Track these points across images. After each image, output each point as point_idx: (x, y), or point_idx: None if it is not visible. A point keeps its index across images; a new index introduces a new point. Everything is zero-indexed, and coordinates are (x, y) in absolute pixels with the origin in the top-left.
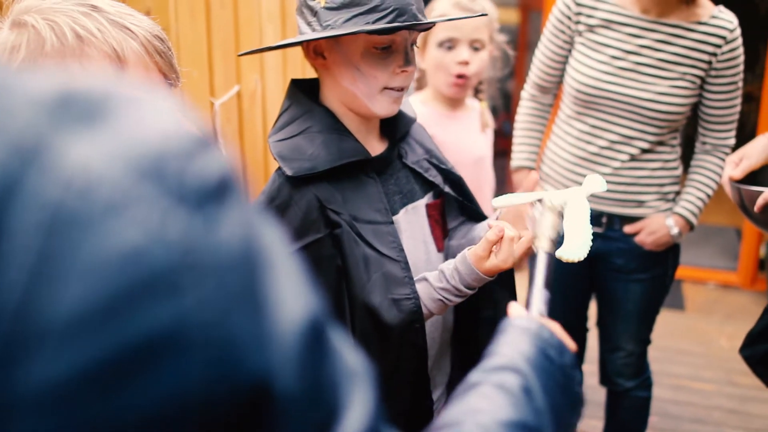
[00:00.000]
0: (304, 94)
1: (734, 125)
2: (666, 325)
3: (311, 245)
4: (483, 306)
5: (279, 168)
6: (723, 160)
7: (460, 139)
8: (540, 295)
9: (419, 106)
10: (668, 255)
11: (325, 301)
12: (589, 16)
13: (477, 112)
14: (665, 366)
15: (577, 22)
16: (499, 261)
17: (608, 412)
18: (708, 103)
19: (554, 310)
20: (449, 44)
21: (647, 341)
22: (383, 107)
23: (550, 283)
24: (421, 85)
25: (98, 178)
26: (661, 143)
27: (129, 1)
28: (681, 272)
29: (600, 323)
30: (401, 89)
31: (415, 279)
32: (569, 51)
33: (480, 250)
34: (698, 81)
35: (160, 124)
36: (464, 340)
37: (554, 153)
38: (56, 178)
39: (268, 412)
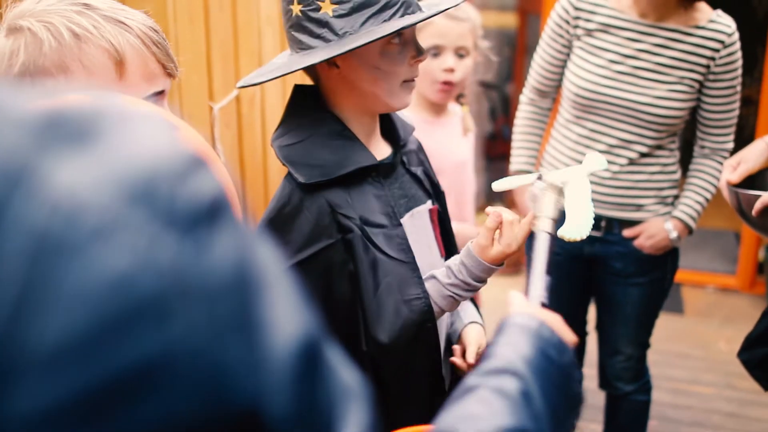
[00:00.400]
0: (307, 99)
1: (733, 129)
2: (665, 328)
3: (324, 251)
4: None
5: (288, 174)
6: (721, 164)
7: (442, 144)
8: (540, 281)
9: (403, 111)
10: (667, 259)
11: (320, 319)
12: (588, 21)
13: (459, 117)
14: (664, 369)
15: (576, 27)
16: (503, 247)
17: (607, 415)
18: (706, 107)
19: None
20: (435, 51)
21: (646, 345)
22: (402, 100)
23: (551, 268)
24: None
25: (85, 203)
26: (659, 147)
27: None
28: (680, 276)
29: (599, 327)
30: (413, 80)
31: (423, 278)
32: (568, 55)
33: (482, 240)
34: (696, 85)
35: (152, 144)
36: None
37: (553, 157)
38: (42, 203)
39: None
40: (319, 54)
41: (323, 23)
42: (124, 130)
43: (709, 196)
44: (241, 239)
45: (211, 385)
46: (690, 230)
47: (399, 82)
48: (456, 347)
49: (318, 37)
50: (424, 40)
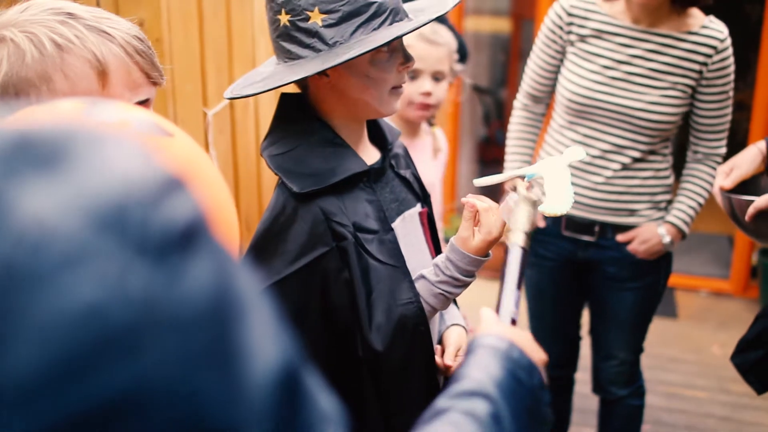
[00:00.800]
0: (295, 107)
1: (725, 134)
2: (659, 332)
3: (319, 259)
4: None
5: (281, 183)
6: (714, 169)
7: None
8: (511, 296)
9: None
10: (660, 263)
11: (300, 345)
12: (581, 26)
13: (430, 138)
14: (658, 374)
15: (569, 32)
16: (483, 235)
17: (601, 420)
18: (699, 113)
19: (547, 319)
20: (412, 74)
21: (640, 349)
22: (391, 106)
23: (522, 282)
24: None
25: (52, 232)
26: (652, 152)
27: (122, 12)
28: (673, 280)
29: (593, 331)
30: (401, 86)
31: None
32: (561, 61)
33: (463, 232)
34: (689, 90)
35: (123, 169)
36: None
37: None
38: (7, 232)
39: None
40: (312, 64)
41: (313, 33)
42: (94, 154)
43: (702, 200)
44: (218, 265)
45: (185, 419)
46: (683, 235)
47: (388, 88)
48: (437, 347)
49: (307, 46)
50: None
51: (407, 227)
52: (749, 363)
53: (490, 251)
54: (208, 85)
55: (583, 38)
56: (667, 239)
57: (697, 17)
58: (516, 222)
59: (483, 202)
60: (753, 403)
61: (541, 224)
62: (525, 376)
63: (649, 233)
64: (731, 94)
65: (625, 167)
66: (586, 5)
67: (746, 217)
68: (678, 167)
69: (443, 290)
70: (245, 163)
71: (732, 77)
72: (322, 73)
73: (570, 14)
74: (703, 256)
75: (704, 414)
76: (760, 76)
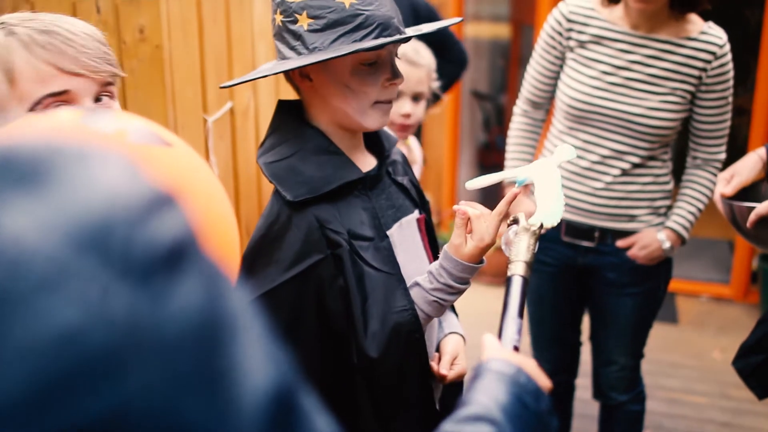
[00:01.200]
0: (291, 114)
1: (725, 140)
2: (659, 338)
3: (314, 266)
4: None
5: (276, 191)
6: (714, 174)
7: None
8: (513, 324)
9: None
10: (660, 269)
11: (295, 362)
12: (580, 32)
13: (405, 150)
14: (659, 379)
15: (569, 38)
16: (476, 241)
17: (602, 425)
18: (698, 118)
19: (547, 324)
20: None
21: (640, 355)
22: (375, 121)
23: (523, 311)
24: None
25: (31, 252)
26: (652, 158)
27: (122, 18)
28: (674, 285)
29: (593, 337)
30: (390, 101)
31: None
32: (561, 67)
33: (455, 239)
34: (688, 96)
35: (108, 186)
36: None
37: None
38: None
39: None
40: (285, 65)
41: (298, 36)
42: (78, 170)
43: (701, 206)
44: (208, 285)
45: None
46: (683, 241)
47: (370, 102)
48: (435, 354)
49: (292, 48)
50: None
51: (404, 234)
52: (751, 367)
53: (483, 258)
54: (208, 92)
55: (582, 44)
56: (666, 245)
57: (695, 23)
58: (517, 253)
59: (475, 209)
60: (754, 409)
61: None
62: (532, 401)
63: (648, 239)
64: (730, 99)
65: (624, 173)
66: (585, 11)
67: (748, 224)
68: (677, 173)
69: (437, 297)
70: (245, 170)
71: (731, 83)
72: (305, 77)
73: (569, 20)
74: (704, 262)
75: (705, 419)
76: (760, 82)
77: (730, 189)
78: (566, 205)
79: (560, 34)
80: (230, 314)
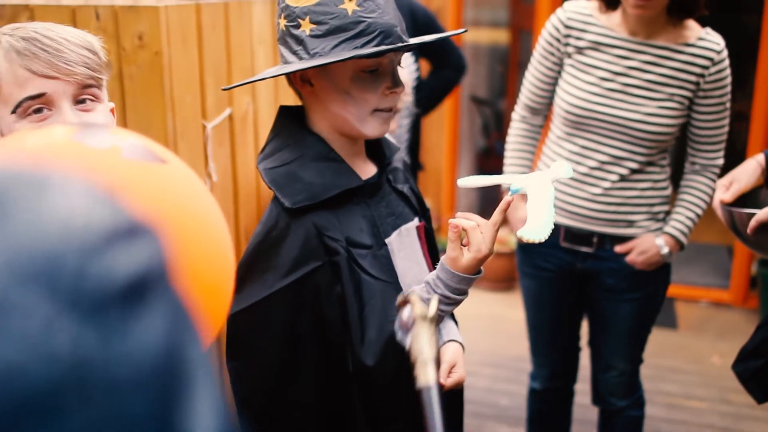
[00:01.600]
0: (292, 120)
1: (723, 145)
2: (658, 343)
3: (312, 273)
4: None
5: (275, 198)
6: (712, 180)
7: None
8: None
9: None
10: (659, 274)
11: (236, 420)
12: (578, 38)
13: None
14: (658, 384)
15: (567, 44)
16: (473, 253)
17: (601, 431)
18: (696, 124)
19: (546, 329)
20: None
21: (639, 360)
22: (374, 129)
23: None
24: None
25: None
26: (650, 163)
27: (122, 25)
28: (673, 290)
29: (592, 342)
30: (390, 110)
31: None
32: (559, 73)
33: (451, 252)
34: (686, 102)
35: (65, 214)
36: None
37: None
38: None
39: None
40: (287, 69)
41: (300, 41)
42: (35, 200)
43: (700, 211)
44: (170, 325)
45: None
46: (681, 246)
47: (369, 110)
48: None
49: (294, 53)
50: None
51: (404, 241)
52: (750, 371)
53: (481, 268)
54: (207, 98)
55: (580, 50)
56: (665, 250)
57: (693, 29)
58: (420, 351)
59: (469, 221)
60: (753, 414)
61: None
62: None
63: (647, 244)
64: (728, 105)
65: (623, 178)
66: (583, 17)
67: (748, 231)
68: (676, 178)
69: None
70: (244, 176)
71: (729, 89)
72: (306, 82)
73: (567, 26)
74: (703, 267)
75: (704, 425)
76: (759, 87)
77: (729, 195)
78: (565, 210)
79: (558, 40)
80: (189, 360)
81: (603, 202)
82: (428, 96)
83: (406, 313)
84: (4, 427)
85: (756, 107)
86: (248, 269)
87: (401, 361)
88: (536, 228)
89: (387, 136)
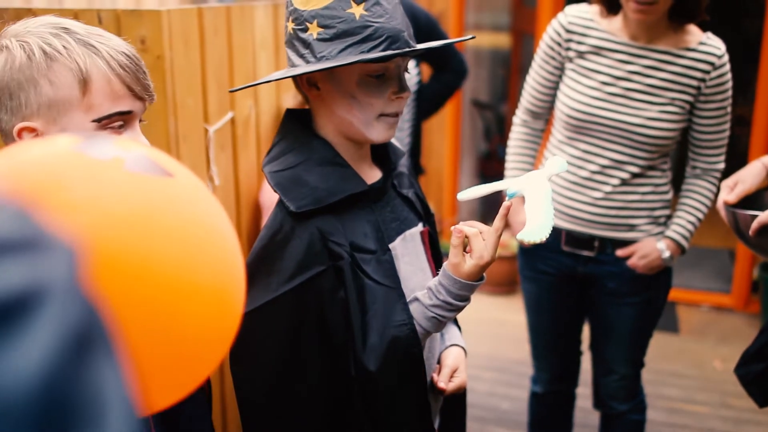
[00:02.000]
0: (298, 124)
1: (724, 150)
2: (660, 347)
3: (315, 278)
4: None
5: (280, 201)
6: (713, 184)
7: None
8: None
9: None
10: (660, 278)
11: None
12: (580, 43)
13: None
14: (659, 389)
15: (568, 49)
16: (475, 260)
17: None
18: (697, 128)
19: (547, 333)
20: None
21: (641, 364)
22: (380, 133)
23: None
24: None
25: None
26: (651, 168)
27: (124, 29)
28: (675, 294)
29: (593, 346)
30: (396, 115)
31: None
32: (560, 77)
33: (453, 258)
34: (687, 106)
35: None
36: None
37: None
38: None
39: None
40: (293, 72)
41: (307, 44)
42: None
43: (701, 216)
44: (58, 352)
45: None
46: (682, 250)
47: (375, 114)
48: (436, 366)
49: (301, 56)
50: None
51: (408, 247)
52: (752, 375)
53: (484, 274)
54: (210, 102)
55: (581, 54)
56: (666, 254)
57: (694, 34)
58: None
59: (472, 228)
60: (755, 418)
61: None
62: None
63: (648, 248)
64: (729, 110)
65: (624, 182)
66: (584, 22)
67: (750, 232)
68: (677, 182)
69: (436, 314)
70: (246, 180)
71: (730, 93)
72: (313, 86)
73: (568, 31)
74: (705, 271)
75: (706, 429)
76: (760, 91)
77: (733, 196)
78: (566, 214)
79: (559, 44)
80: (88, 393)
81: (604, 206)
82: (429, 100)
83: None
84: None
85: (757, 112)
86: (252, 272)
87: (403, 367)
88: (535, 229)
89: (393, 140)
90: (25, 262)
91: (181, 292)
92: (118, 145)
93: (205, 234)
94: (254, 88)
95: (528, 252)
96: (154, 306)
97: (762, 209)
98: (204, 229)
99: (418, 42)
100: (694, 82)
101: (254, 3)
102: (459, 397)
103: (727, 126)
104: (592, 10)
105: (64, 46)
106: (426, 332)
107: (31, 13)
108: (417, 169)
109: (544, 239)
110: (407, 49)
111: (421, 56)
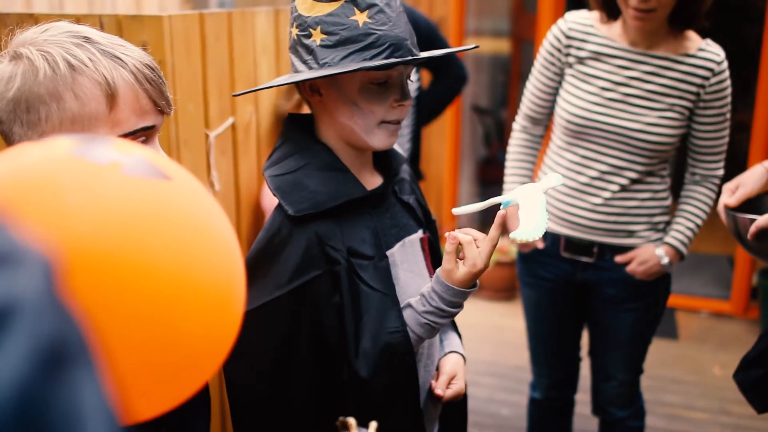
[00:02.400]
0: (300, 129)
1: (723, 156)
2: (659, 353)
3: (312, 282)
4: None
5: (279, 205)
6: (712, 190)
7: None
8: None
9: None
10: (659, 284)
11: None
12: (579, 49)
13: None
14: (658, 395)
15: (567, 55)
16: (468, 267)
17: None
18: (696, 134)
19: (546, 339)
20: None
21: (640, 370)
22: (381, 140)
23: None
24: None
25: None
26: (650, 174)
27: (125, 34)
28: (674, 301)
29: (592, 352)
30: (398, 122)
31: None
32: (560, 83)
33: (446, 264)
34: (686, 112)
35: None
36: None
37: None
38: None
39: None
40: (296, 78)
41: (310, 50)
42: None
43: (700, 222)
44: (29, 368)
45: None
46: (681, 256)
47: (377, 121)
48: (436, 373)
49: (304, 62)
50: None
51: (407, 253)
52: (751, 381)
53: (477, 281)
54: (210, 107)
55: (581, 60)
56: (665, 260)
57: (694, 40)
58: None
59: (466, 235)
60: (754, 425)
61: (540, 245)
62: None
63: (647, 254)
64: (728, 116)
65: (623, 188)
66: (584, 28)
67: (748, 236)
68: (676, 189)
69: (429, 320)
70: (246, 185)
71: (729, 99)
72: (316, 91)
73: (568, 36)
74: (704, 277)
75: None
76: (759, 98)
77: (734, 200)
78: (565, 220)
79: (559, 50)
80: (64, 405)
81: (603, 212)
82: (429, 106)
83: None
84: None
85: (757, 118)
86: (249, 275)
87: (395, 373)
88: (529, 229)
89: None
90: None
91: (180, 297)
92: (116, 148)
93: (205, 238)
94: (255, 93)
95: (527, 258)
96: (152, 312)
97: (762, 213)
98: (203, 233)
99: (419, 49)
100: (694, 88)
101: (255, 9)
102: (460, 404)
103: (727, 132)
104: (592, 16)
105: (89, 58)
106: (419, 338)
107: (33, 18)
108: (416, 174)
109: (538, 238)
110: (410, 57)
111: (421, 62)
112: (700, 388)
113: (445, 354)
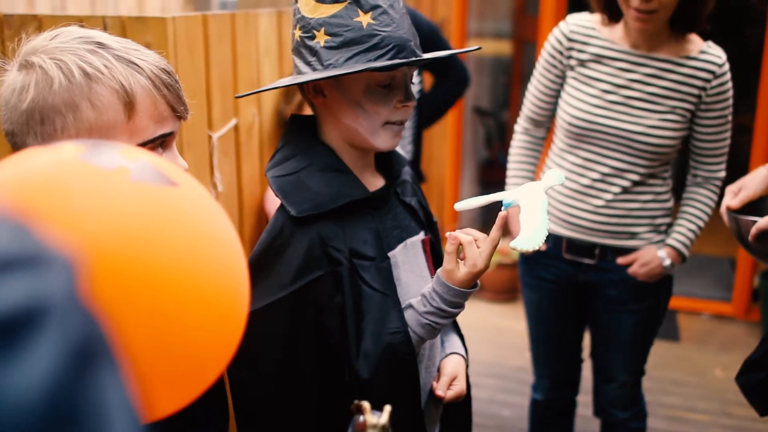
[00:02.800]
0: (303, 130)
1: (724, 158)
2: (660, 355)
3: (314, 283)
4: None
5: (281, 206)
6: (714, 192)
7: None
8: None
9: None
10: (661, 286)
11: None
12: (581, 51)
13: None
14: (660, 397)
15: (569, 57)
16: (469, 267)
17: None
18: (698, 137)
19: (548, 341)
20: None
21: (641, 372)
22: (385, 141)
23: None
24: None
25: None
26: (652, 176)
27: (129, 36)
28: (675, 303)
29: (594, 354)
30: (401, 123)
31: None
32: (561, 85)
33: (447, 265)
34: (688, 114)
35: None
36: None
37: None
38: None
39: None
40: (300, 79)
41: (314, 52)
42: None
43: (701, 224)
44: (62, 366)
45: None
46: (683, 258)
47: (380, 122)
48: (437, 374)
49: (308, 64)
50: None
51: (408, 254)
52: (753, 383)
53: (477, 282)
54: (213, 109)
55: (582, 63)
56: (667, 262)
57: (695, 42)
58: None
59: (467, 235)
60: (755, 427)
61: (543, 247)
62: None
63: (649, 256)
64: (730, 118)
65: (625, 190)
66: (585, 30)
67: (749, 237)
68: (678, 191)
69: (430, 321)
70: (249, 187)
71: (731, 102)
72: (320, 93)
73: (570, 39)
74: (705, 279)
75: None
76: (761, 99)
77: (737, 202)
78: (567, 222)
79: (561, 52)
80: (91, 405)
81: (605, 214)
82: (431, 108)
83: (359, 419)
84: None
85: (759, 120)
86: (252, 276)
87: (396, 374)
88: (528, 237)
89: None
90: (24, 278)
91: (186, 301)
92: (123, 154)
93: (210, 243)
94: (258, 95)
95: (529, 259)
96: (158, 315)
97: (765, 215)
98: (208, 239)
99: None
100: (695, 91)
101: (258, 10)
102: (463, 405)
103: (728, 134)
104: (594, 19)
105: (105, 65)
106: (420, 339)
107: (36, 20)
108: (418, 176)
109: (537, 248)
110: (414, 59)
111: (422, 65)
112: (701, 390)
113: (447, 355)
